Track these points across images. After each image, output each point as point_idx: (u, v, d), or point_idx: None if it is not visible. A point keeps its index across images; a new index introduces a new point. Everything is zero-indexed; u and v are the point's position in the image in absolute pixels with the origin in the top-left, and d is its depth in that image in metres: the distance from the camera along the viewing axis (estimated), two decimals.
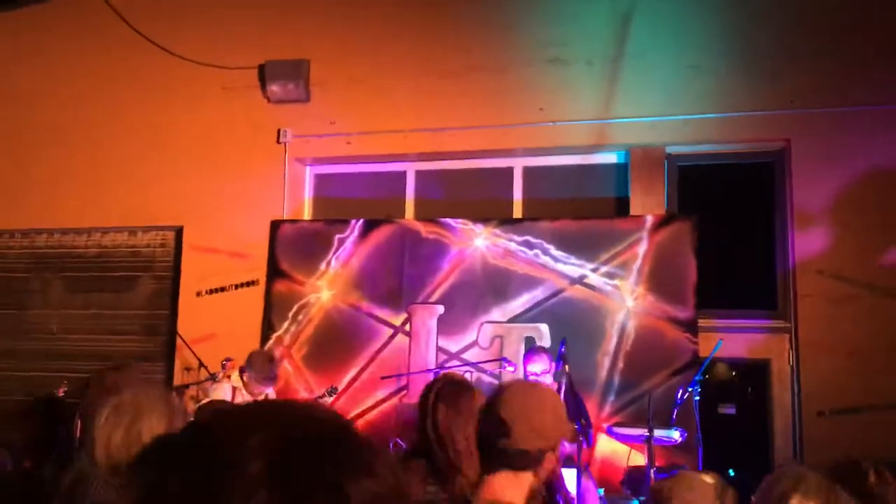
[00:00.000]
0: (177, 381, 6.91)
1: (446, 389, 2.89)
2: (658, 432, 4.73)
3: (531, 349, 5.72)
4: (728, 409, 6.14)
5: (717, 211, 6.25)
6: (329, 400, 5.93)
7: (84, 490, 2.28)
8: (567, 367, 5.00)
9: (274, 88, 7.07)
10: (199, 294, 7.12)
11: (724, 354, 5.59)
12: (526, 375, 5.51)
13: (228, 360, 5.80)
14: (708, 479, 2.72)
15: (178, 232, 7.35)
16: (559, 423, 2.12)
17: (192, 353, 6.63)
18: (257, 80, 7.19)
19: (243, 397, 5.52)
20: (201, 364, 6.49)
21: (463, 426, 2.72)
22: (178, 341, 6.93)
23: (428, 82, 6.87)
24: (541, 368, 5.32)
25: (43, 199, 7.65)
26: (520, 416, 2.01)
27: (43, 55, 7.91)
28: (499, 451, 2.01)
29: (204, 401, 5.29)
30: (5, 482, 3.33)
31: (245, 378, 5.52)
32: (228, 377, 5.61)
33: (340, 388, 6.38)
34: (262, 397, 5.58)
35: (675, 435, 4.86)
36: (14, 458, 3.71)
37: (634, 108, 6.38)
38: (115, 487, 2.19)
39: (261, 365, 5.50)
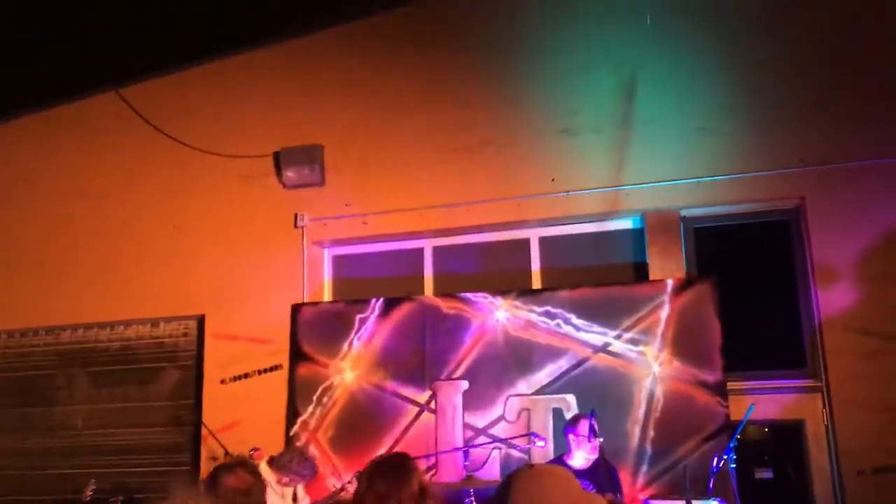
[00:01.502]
0: (203, 471, 6.86)
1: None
2: (696, 503, 4.62)
3: (576, 417, 5.61)
4: (765, 474, 5.98)
5: (738, 271, 6.23)
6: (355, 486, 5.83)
7: None
8: (599, 439, 4.93)
9: (289, 174, 7.21)
10: (223, 381, 7.12)
11: (756, 417, 5.47)
12: (572, 445, 5.41)
13: (255, 450, 5.75)
14: None
15: (200, 321, 7.40)
16: (583, 498, 2.05)
17: (218, 442, 6.60)
18: (272, 167, 7.34)
19: (273, 490, 5.48)
20: (227, 453, 6.43)
21: None
22: (204, 430, 6.91)
23: (440, 159, 6.97)
24: (587, 430, 5.23)
25: (65, 295, 7.75)
26: None
27: (63, 154, 8.15)
28: None
29: None
30: None
31: (285, 480, 5.55)
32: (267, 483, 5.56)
33: None
34: (291, 492, 5.56)
35: None
36: None
37: (646, 174, 6.42)
38: None
39: (300, 466, 5.56)
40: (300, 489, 5.76)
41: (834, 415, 5.76)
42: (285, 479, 5.61)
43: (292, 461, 5.69)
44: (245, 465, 3.03)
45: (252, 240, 7.29)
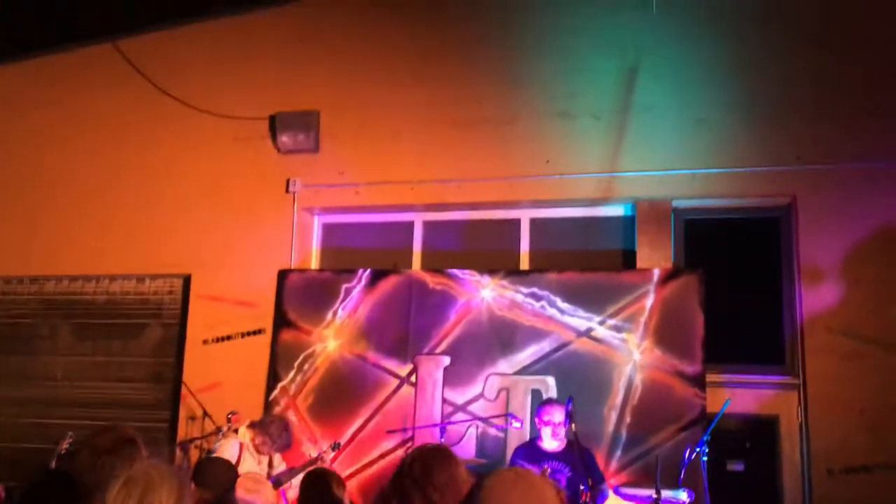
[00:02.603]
0: (181, 429, 6.91)
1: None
2: (666, 493, 4.67)
3: (546, 401, 5.70)
4: (737, 466, 6.06)
5: (725, 265, 6.26)
6: (331, 455, 5.88)
7: None
8: (574, 426, 4.97)
9: (284, 139, 7.16)
10: (205, 342, 7.13)
11: (732, 410, 5.52)
12: (538, 428, 5.48)
13: (233, 413, 5.77)
14: None
15: (186, 280, 7.39)
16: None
17: (197, 402, 6.63)
18: (268, 131, 7.29)
19: (250, 454, 5.51)
20: (206, 413, 6.48)
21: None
22: (183, 389, 6.93)
23: (436, 134, 6.95)
24: (559, 418, 5.30)
25: (52, 246, 7.72)
26: None
27: (54, 104, 8.05)
28: None
29: (212, 455, 5.27)
30: None
31: (257, 441, 5.58)
32: (235, 432, 5.60)
33: (344, 440, 6.36)
34: (267, 458, 5.59)
35: (683, 496, 4.80)
36: None
37: (641, 162, 6.42)
38: None
39: (278, 434, 5.59)
40: (277, 456, 5.78)
41: (808, 413, 5.82)
42: (258, 441, 5.62)
43: (272, 424, 5.72)
44: (109, 430, 3.11)
45: (242, 202, 7.26)
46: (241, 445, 5.54)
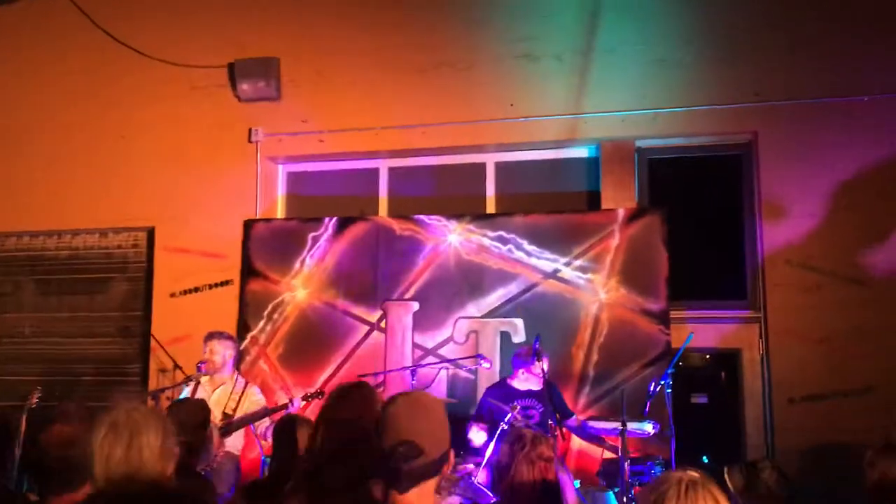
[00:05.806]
0: (152, 381, 6.91)
1: None
2: (631, 425, 4.80)
3: (530, 354, 5.54)
4: (700, 399, 6.23)
5: (688, 203, 6.33)
6: (302, 404, 5.81)
7: None
8: (542, 362, 5.05)
9: (244, 87, 7.04)
10: (172, 295, 7.09)
11: (695, 345, 5.66)
12: (514, 370, 5.55)
13: (203, 363, 5.73)
14: None
15: (150, 232, 7.31)
16: (445, 421, 2.20)
17: (167, 354, 6.62)
18: (227, 79, 7.17)
19: (205, 392, 5.52)
20: (176, 365, 6.48)
21: None
22: (153, 342, 6.91)
23: (399, 79, 6.87)
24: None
25: (11, 202, 7.57)
26: (425, 431, 2.08)
27: (9, 57, 7.83)
28: (412, 470, 2.06)
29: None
30: None
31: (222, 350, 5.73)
32: (199, 383, 5.57)
33: (317, 386, 6.36)
34: (226, 392, 5.61)
35: (648, 427, 4.94)
36: None
37: (604, 103, 6.42)
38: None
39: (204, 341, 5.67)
40: (252, 398, 5.72)
41: (770, 345, 5.96)
42: (223, 348, 5.65)
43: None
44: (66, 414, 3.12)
45: (205, 152, 7.16)
46: (196, 386, 5.52)
